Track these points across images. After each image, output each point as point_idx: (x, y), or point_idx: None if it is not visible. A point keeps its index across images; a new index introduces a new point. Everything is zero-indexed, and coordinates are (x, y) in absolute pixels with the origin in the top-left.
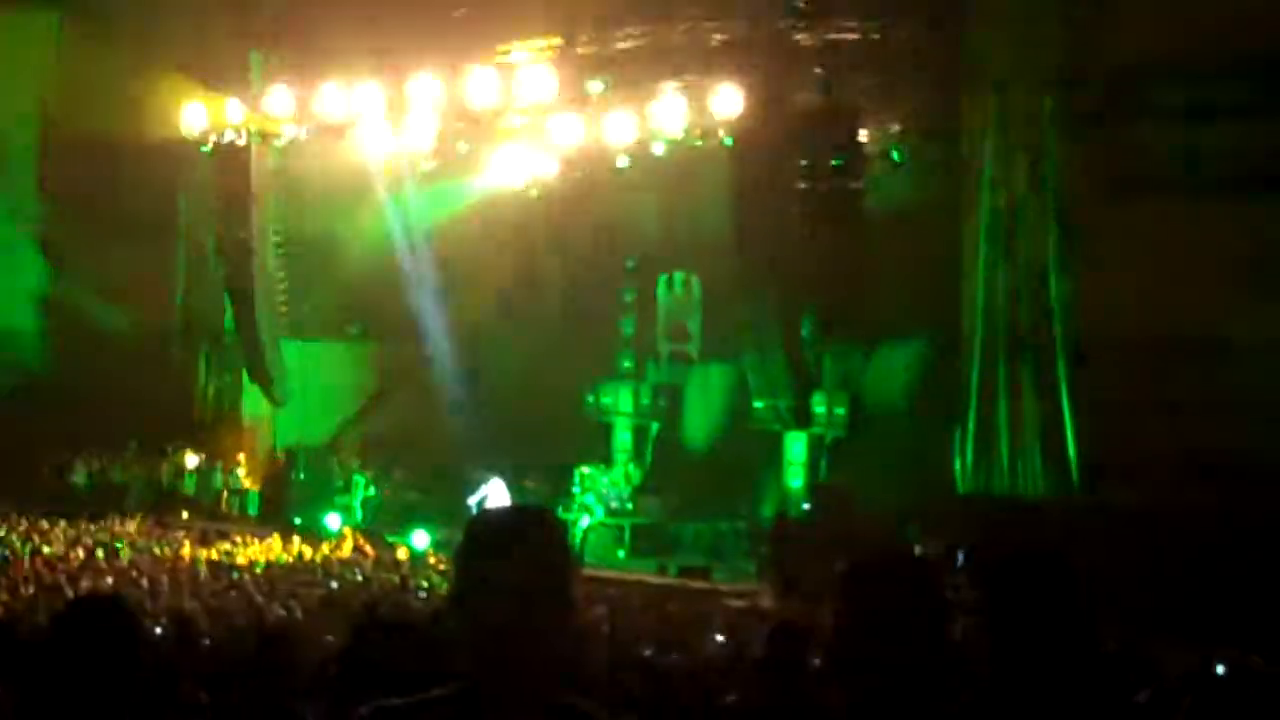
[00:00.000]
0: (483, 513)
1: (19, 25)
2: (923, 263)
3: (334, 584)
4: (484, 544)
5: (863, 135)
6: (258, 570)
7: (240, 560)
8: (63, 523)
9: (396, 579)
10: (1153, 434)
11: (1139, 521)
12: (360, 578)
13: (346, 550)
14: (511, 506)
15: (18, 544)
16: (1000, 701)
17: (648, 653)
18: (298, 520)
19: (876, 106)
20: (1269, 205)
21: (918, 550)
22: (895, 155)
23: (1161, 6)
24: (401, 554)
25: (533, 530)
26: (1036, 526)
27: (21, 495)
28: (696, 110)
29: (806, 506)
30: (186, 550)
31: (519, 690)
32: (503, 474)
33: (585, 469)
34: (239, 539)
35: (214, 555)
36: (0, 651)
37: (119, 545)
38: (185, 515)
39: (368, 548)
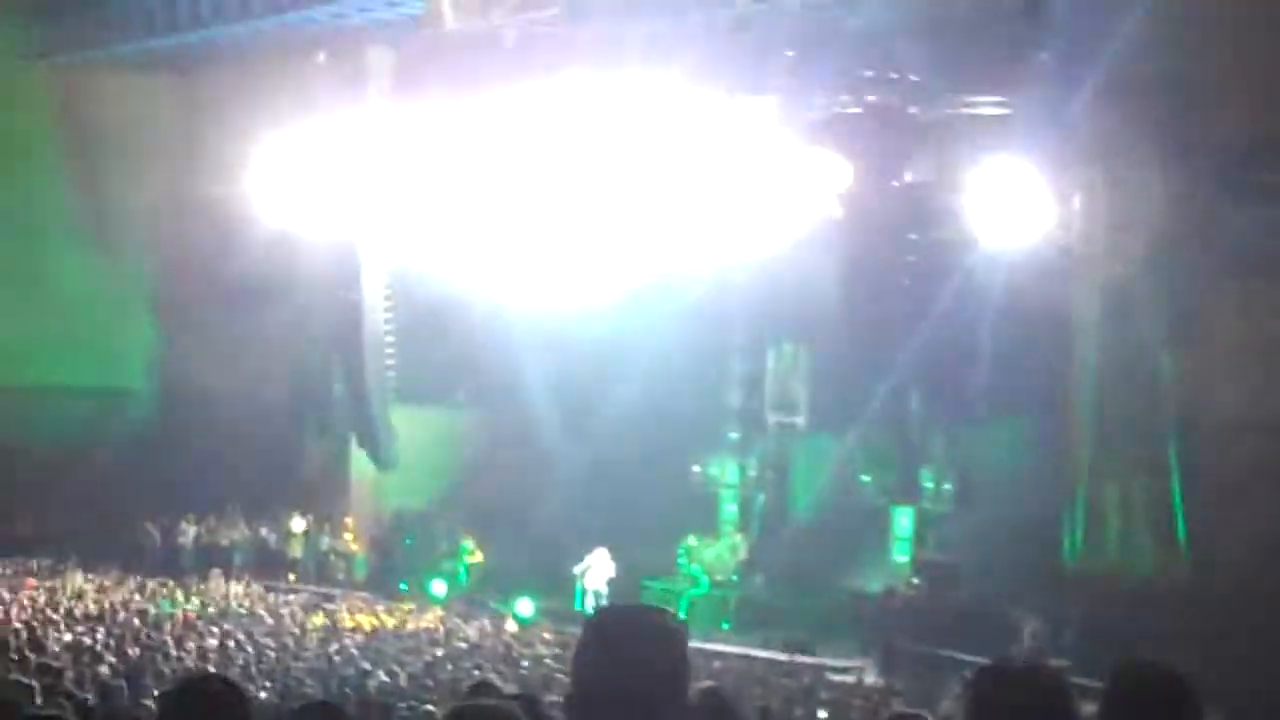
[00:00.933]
0: (602, 613)
1: (137, 90)
2: (1033, 338)
3: (439, 651)
4: (604, 648)
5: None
6: (362, 636)
7: (346, 624)
8: (170, 583)
9: (501, 647)
10: (1264, 515)
11: (1249, 602)
12: (465, 645)
13: (451, 617)
14: (632, 609)
15: (125, 605)
16: None
17: None
18: (404, 585)
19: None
20: None
21: (1027, 632)
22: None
23: (1274, 84)
24: (507, 622)
25: (653, 637)
26: (1145, 607)
27: (129, 556)
28: (807, 182)
29: (914, 581)
30: (292, 613)
31: None
32: (608, 543)
33: (692, 540)
34: (345, 603)
35: (319, 619)
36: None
37: (226, 608)
38: (292, 578)
39: (473, 615)
